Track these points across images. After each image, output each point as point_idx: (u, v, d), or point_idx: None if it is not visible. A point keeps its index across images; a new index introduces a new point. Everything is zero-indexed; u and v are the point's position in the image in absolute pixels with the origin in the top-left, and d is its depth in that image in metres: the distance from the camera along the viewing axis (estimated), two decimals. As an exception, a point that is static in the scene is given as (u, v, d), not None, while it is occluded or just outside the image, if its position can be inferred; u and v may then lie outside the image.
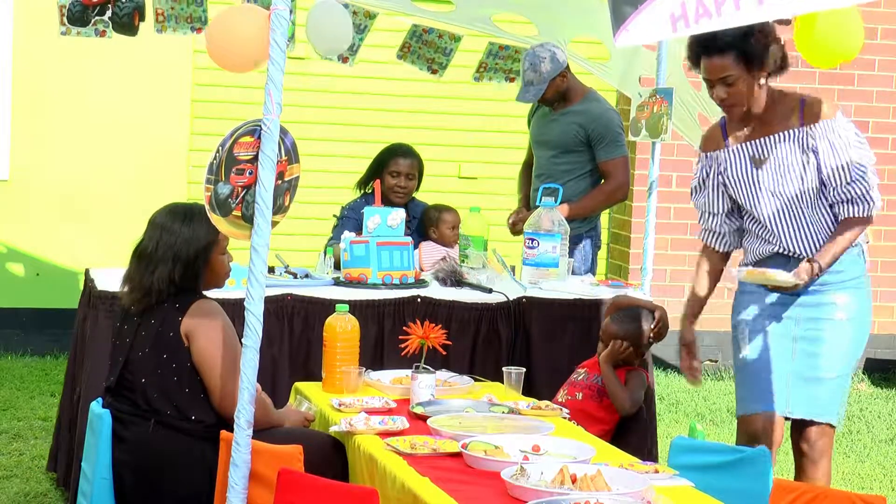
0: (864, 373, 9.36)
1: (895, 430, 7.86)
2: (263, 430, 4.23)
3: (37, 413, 7.21)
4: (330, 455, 4.30)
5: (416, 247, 6.29)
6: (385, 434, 4.23)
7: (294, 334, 5.58)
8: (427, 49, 7.11)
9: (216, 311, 4.40)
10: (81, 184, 8.96)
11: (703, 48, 4.65)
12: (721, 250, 5.04)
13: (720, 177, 4.90)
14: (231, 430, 3.93)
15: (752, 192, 4.82)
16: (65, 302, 8.61)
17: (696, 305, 5.05)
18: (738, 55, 4.62)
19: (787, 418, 4.84)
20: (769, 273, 4.66)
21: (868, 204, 4.71)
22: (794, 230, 4.78)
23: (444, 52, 7.11)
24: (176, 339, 4.36)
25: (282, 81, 3.78)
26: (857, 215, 4.72)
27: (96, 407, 4.46)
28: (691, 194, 5.05)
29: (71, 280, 8.73)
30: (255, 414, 3.93)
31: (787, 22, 4.50)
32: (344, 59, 7.01)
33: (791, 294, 4.77)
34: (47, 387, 7.84)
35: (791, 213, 4.77)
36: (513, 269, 6.20)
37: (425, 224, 6.71)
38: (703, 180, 4.96)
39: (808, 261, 4.69)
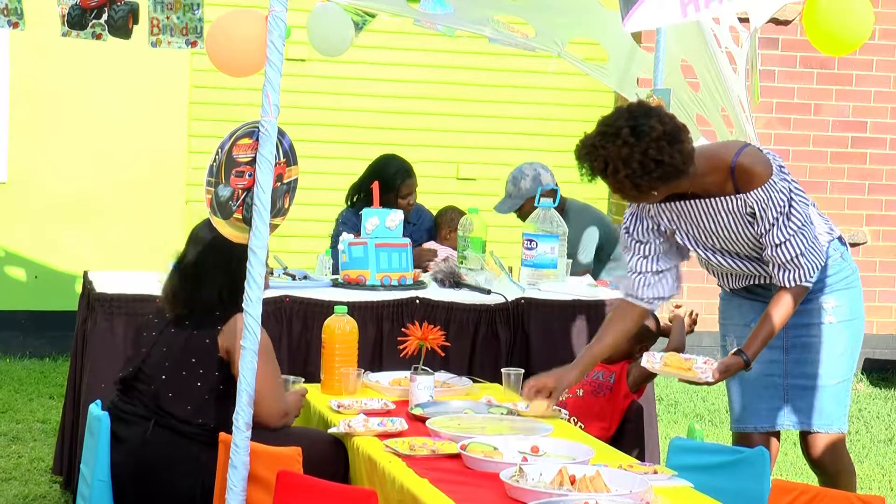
0: (862, 373, 9.36)
1: (894, 431, 7.85)
2: (264, 430, 4.24)
3: (35, 415, 7.21)
4: (330, 454, 4.30)
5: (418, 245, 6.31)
6: (384, 435, 4.23)
7: (292, 336, 5.58)
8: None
9: None
10: (80, 186, 8.96)
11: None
12: (650, 297, 4.64)
13: (654, 221, 4.59)
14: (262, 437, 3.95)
15: (688, 242, 4.57)
16: (63, 304, 8.61)
17: (586, 357, 4.69)
18: (607, 182, 4.32)
19: (804, 432, 4.68)
20: (685, 366, 4.34)
21: (797, 270, 4.40)
22: (746, 267, 4.57)
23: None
24: (211, 345, 4.36)
25: (279, 83, 3.78)
26: (788, 283, 4.42)
27: (95, 409, 4.46)
28: (623, 251, 4.71)
29: (69, 282, 8.72)
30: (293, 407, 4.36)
31: (786, 22, 4.44)
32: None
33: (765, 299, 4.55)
34: (46, 389, 7.84)
35: (737, 259, 4.56)
36: (510, 270, 6.20)
37: (439, 225, 6.76)
38: (632, 232, 4.62)
39: (735, 353, 4.43)
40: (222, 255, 4.33)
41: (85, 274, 5.98)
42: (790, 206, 4.38)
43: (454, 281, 6.02)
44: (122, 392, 4.47)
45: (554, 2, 6.48)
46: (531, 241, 6.10)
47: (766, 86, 9.08)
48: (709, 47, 5.95)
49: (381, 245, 5.90)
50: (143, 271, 6.23)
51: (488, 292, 5.89)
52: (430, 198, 7.09)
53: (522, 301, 5.89)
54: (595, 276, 6.67)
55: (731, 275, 4.66)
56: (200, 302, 4.40)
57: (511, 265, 6.29)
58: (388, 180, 6.78)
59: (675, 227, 4.56)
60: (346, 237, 6.01)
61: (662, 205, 4.52)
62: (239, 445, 3.88)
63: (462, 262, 6.28)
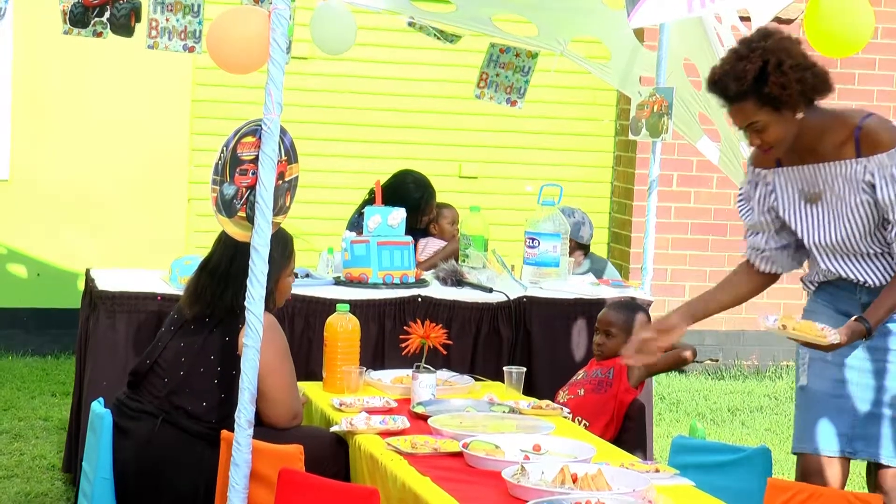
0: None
1: None
2: (266, 428, 4.24)
3: (38, 413, 7.21)
4: (332, 452, 4.31)
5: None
6: (386, 434, 4.23)
7: (295, 334, 5.58)
8: (505, 74, 6.98)
9: (276, 324, 4.40)
10: (82, 184, 8.96)
11: (721, 97, 4.12)
12: (767, 271, 4.42)
13: (769, 197, 4.34)
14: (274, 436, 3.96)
15: (802, 224, 4.28)
16: (65, 302, 8.61)
17: (698, 304, 4.45)
18: (757, 102, 4.04)
19: (870, 463, 4.30)
20: (807, 329, 4.01)
21: None
22: (852, 265, 4.25)
23: (522, 71, 7.00)
24: (231, 343, 4.36)
25: (282, 81, 3.78)
26: None
27: (97, 407, 4.46)
28: (738, 205, 4.47)
29: (72, 280, 8.72)
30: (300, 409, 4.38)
31: (788, 21, 4.41)
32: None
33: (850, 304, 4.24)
34: (48, 387, 7.84)
35: (847, 250, 4.23)
36: (512, 268, 6.20)
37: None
38: (750, 195, 4.38)
39: (856, 319, 4.08)
40: (249, 259, 4.32)
41: (87, 272, 5.98)
42: None
43: (456, 279, 6.03)
44: (131, 386, 4.48)
45: (556, 1, 6.49)
46: (533, 239, 6.10)
47: (768, 84, 9.07)
48: (711, 46, 5.96)
49: (384, 243, 5.90)
50: (145, 269, 6.24)
51: (490, 290, 5.90)
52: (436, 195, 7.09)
53: (524, 299, 5.89)
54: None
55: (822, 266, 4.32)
56: (224, 303, 4.41)
57: (513, 263, 6.29)
58: (431, 204, 6.90)
59: (786, 206, 4.28)
60: (348, 235, 6.01)
61: (778, 172, 4.26)
62: (241, 443, 3.89)
63: (464, 261, 6.28)
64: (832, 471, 4.22)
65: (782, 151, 4.19)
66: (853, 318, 4.10)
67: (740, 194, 4.44)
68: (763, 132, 4.08)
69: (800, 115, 4.07)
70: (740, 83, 4.01)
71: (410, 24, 6.97)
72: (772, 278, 4.44)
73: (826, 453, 4.24)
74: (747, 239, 4.44)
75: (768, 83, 3.99)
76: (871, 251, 4.21)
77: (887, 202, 4.08)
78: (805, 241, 4.29)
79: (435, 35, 6.94)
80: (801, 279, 4.44)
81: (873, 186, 4.09)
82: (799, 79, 4.01)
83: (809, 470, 4.24)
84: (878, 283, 4.20)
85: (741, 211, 4.43)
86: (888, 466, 4.22)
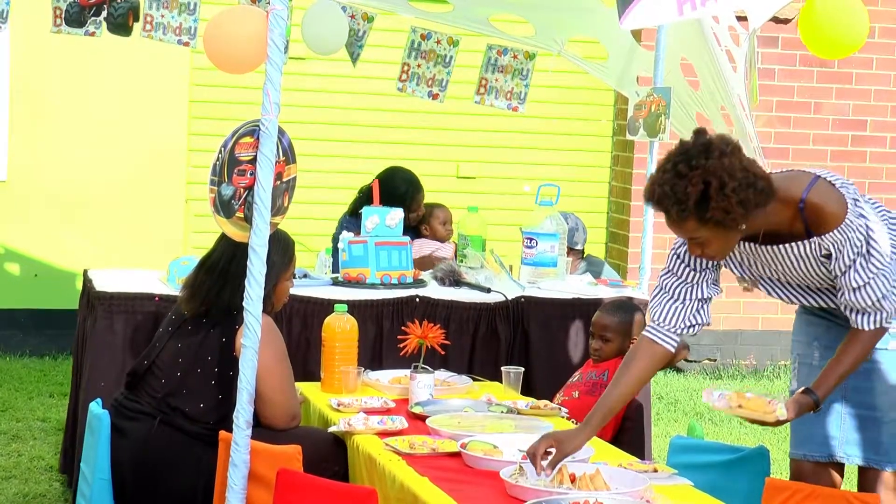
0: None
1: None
2: (264, 429, 4.24)
3: (35, 414, 7.21)
4: (330, 452, 4.31)
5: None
6: (384, 434, 4.23)
7: (292, 334, 5.58)
8: (427, 65, 6.98)
9: (273, 326, 4.40)
10: (79, 184, 8.96)
11: (663, 212, 3.86)
12: (684, 325, 4.10)
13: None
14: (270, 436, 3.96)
15: (753, 277, 4.15)
16: (63, 302, 8.61)
17: (598, 413, 3.98)
18: (699, 222, 3.78)
19: (860, 466, 4.25)
20: (755, 406, 3.90)
21: (878, 313, 3.96)
22: (818, 300, 4.15)
23: (521, 74, 6.98)
24: (228, 344, 4.37)
25: (280, 81, 3.78)
26: (869, 327, 3.98)
27: (95, 407, 4.46)
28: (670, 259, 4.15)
29: (69, 281, 8.72)
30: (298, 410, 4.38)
31: (785, 21, 4.38)
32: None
33: (842, 320, 4.10)
34: (46, 387, 7.83)
35: (808, 292, 4.15)
36: (510, 268, 6.20)
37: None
38: (682, 258, 4.11)
39: (804, 392, 4.00)
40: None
41: (85, 272, 5.98)
42: (868, 244, 3.91)
43: (454, 279, 6.03)
44: (128, 387, 4.48)
45: (553, 0, 6.49)
46: (531, 239, 6.10)
47: (765, 84, 9.08)
48: (709, 46, 5.95)
49: (381, 243, 5.90)
50: (143, 270, 6.23)
51: (488, 291, 5.90)
52: (430, 196, 7.08)
53: (522, 299, 5.89)
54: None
55: (800, 299, 4.22)
56: (221, 301, 4.40)
57: (511, 263, 6.30)
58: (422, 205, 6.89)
59: (738, 264, 4.15)
60: (346, 235, 6.01)
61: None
62: (239, 444, 3.89)
63: (462, 261, 6.28)
64: (825, 477, 4.20)
65: (724, 258, 4.02)
66: (801, 390, 4.02)
67: (668, 266, 4.13)
68: (705, 246, 3.87)
69: (743, 227, 3.82)
70: (681, 207, 3.76)
71: (400, 89, 7.02)
72: (669, 353, 4.11)
73: (817, 458, 4.23)
74: (664, 303, 4.09)
75: (709, 208, 3.74)
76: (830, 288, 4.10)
77: (838, 271, 3.95)
78: (757, 282, 4.15)
79: (427, 93, 7.02)
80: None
81: (829, 256, 3.95)
82: (741, 200, 3.74)
83: (802, 475, 4.22)
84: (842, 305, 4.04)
85: (670, 276, 4.11)
86: (872, 468, 4.19)
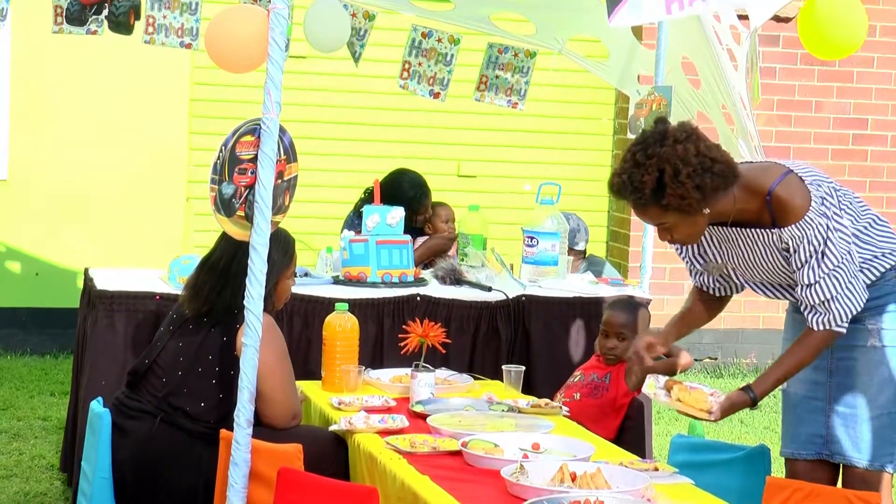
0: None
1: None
2: (265, 427, 4.24)
3: (36, 412, 7.21)
4: (331, 451, 4.31)
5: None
6: (385, 432, 4.22)
7: (293, 333, 5.58)
8: (428, 63, 6.97)
9: (274, 325, 4.40)
10: (80, 183, 8.96)
11: (625, 201, 4.06)
12: (719, 295, 4.43)
13: (698, 247, 4.32)
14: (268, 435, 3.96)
15: (732, 273, 4.32)
16: (64, 301, 8.61)
17: (676, 328, 4.47)
18: (660, 209, 3.96)
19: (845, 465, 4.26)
20: (689, 400, 4.05)
21: (826, 314, 4.04)
22: (778, 293, 4.29)
23: (522, 72, 6.97)
24: (229, 343, 4.36)
25: (281, 80, 3.78)
26: (816, 327, 4.06)
27: (96, 406, 4.46)
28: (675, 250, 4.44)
29: (70, 279, 8.72)
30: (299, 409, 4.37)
31: (786, 19, 4.39)
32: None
33: None
34: (47, 386, 7.84)
35: (780, 289, 4.28)
36: (511, 267, 6.20)
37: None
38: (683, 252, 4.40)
39: (742, 389, 4.09)
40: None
41: (86, 271, 5.98)
42: (826, 244, 3.99)
43: (455, 278, 6.02)
44: (129, 386, 4.48)
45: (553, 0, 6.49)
46: (532, 238, 6.10)
47: (766, 83, 9.07)
48: (710, 44, 5.95)
49: (382, 242, 5.90)
50: (143, 268, 6.23)
51: (489, 289, 5.89)
52: (431, 195, 7.09)
53: (523, 298, 5.89)
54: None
55: (766, 292, 4.35)
56: (222, 300, 4.40)
57: (512, 262, 6.29)
58: (426, 203, 6.89)
59: (717, 255, 4.29)
60: (346, 234, 6.01)
61: (705, 232, 4.20)
62: (240, 442, 3.89)
63: (463, 259, 6.28)
64: (818, 475, 4.21)
65: (696, 242, 4.20)
66: (740, 387, 4.11)
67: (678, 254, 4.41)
68: (673, 231, 4.03)
69: (707, 211, 3.97)
70: (638, 195, 3.93)
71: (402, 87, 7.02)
72: (721, 300, 4.45)
73: (805, 457, 4.27)
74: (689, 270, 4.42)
75: (665, 195, 3.89)
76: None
77: (795, 266, 4.06)
78: (737, 279, 4.33)
79: (428, 92, 7.01)
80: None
81: (788, 250, 4.07)
82: (697, 185, 3.89)
83: (796, 474, 4.24)
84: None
85: (679, 256, 4.41)
86: (856, 468, 4.20)
